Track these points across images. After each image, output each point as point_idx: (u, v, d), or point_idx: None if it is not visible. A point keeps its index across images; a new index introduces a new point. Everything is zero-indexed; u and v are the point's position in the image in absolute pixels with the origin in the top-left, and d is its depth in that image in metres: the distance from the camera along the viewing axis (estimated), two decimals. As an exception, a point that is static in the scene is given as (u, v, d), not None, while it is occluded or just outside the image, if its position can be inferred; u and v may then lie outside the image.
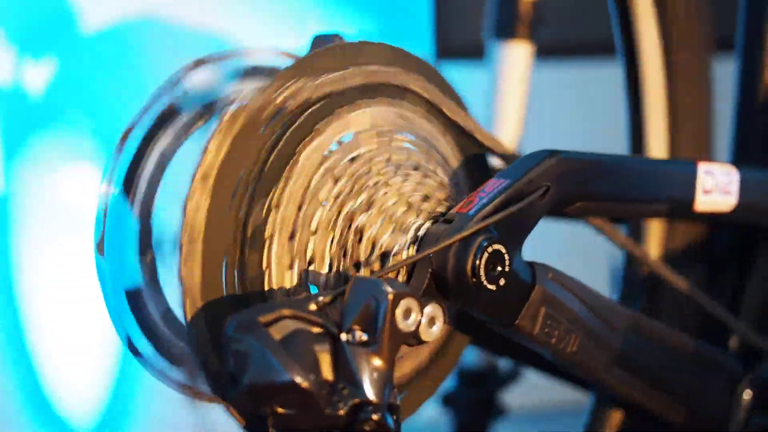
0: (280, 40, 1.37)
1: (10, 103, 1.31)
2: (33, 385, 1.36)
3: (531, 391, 1.40)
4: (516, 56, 1.20)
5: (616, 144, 1.05)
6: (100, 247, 0.68)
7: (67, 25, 1.31)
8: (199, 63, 0.71)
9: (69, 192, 1.34)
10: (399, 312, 0.61)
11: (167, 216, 0.70)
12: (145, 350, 0.69)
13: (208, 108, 0.72)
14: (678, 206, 0.80)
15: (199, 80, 0.71)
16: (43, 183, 1.33)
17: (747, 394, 0.86)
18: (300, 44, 0.78)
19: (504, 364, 1.32)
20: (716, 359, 0.86)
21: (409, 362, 0.71)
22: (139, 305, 0.69)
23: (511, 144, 1.19)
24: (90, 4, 1.31)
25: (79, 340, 1.36)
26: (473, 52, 1.36)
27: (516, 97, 1.20)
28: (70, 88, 1.33)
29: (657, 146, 0.93)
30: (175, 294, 0.68)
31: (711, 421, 0.85)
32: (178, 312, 0.69)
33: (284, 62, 0.75)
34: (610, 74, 1.47)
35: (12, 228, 1.33)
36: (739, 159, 0.97)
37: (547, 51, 1.28)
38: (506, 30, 1.19)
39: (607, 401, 0.92)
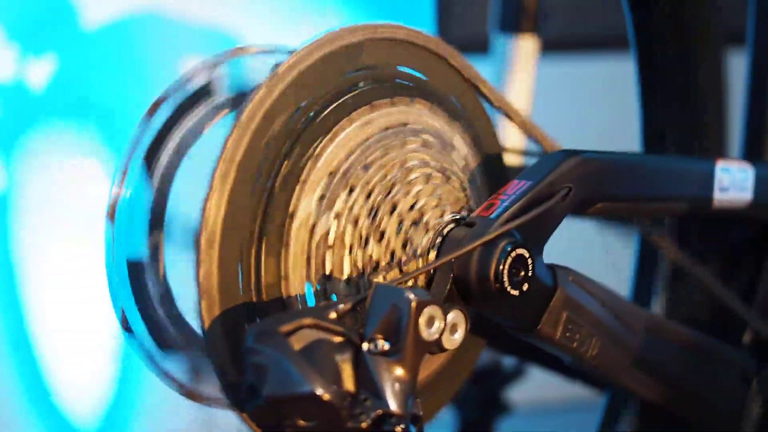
0: (281, 36, 1.35)
1: (11, 100, 1.29)
2: (35, 383, 1.35)
3: (535, 388, 1.39)
4: (522, 50, 1.18)
5: (623, 138, 1.04)
6: (111, 213, 0.66)
7: (68, 21, 1.29)
8: (240, 50, 0.69)
9: (70, 189, 1.32)
10: (422, 320, 0.59)
11: (183, 195, 0.68)
12: (138, 328, 0.67)
13: (240, 96, 0.70)
14: (696, 204, 0.79)
15: (234, 68, 0.69)
16: (44, 180, 1.32)
17: (758, 393, 0.85)
18: (299, 39, 0.77)
19: (508, 361, 1.31)
20: (730, 357, 0.85)
21: (424, 368, 0.69)
22: (138, 279, 0.67)
23: (518, 139, 1.17)
24: (91, 1, 1.29)
25: (81, 339, 1.35)
26: (476, 45, 1.34)
27: (522, 92, 1.19)
28: (72, 85, 1.31)
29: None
30: (177, 278, 0.67)
31: (725, 419, 0.85)
32: (176, 297, 0.67)
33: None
34: (616, 68, 1.46)
35: (13, 225, 1.32)
36: (749, 154, 0.96)
37: (552, 45, 1.26)
38: (512, 24, 1.18)
39: (622, 401, 0.91)
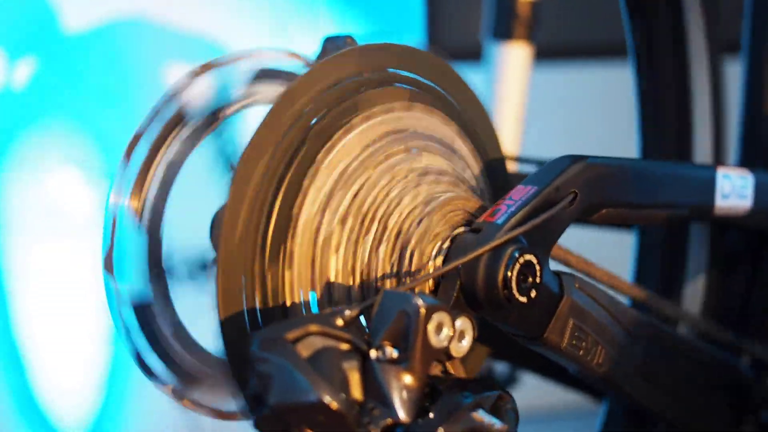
0: (270, 41, 1.34)
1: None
2: (23, 388, 1.33)
3: (529, 395, 1.38)
4: (515, 57, 1.18)
5: (618, 145, 1.03)
6: (107, 262, 0.65)
7: (53, 27, 1.28)
8: (204, 68, 0.69)
9: (56, 194, 1.31)
10: (431, 327, 0.58)
11: (177, 228, 0.68)
12: (156, 367, 0.66)
13: (216, 115, 0.69)
14: (698, 211, 0.79)
15: (206, 85, 0.69)
16: (28, 185, 1.30)
17: (756, 401, 0.85)
18: (290, 44, 0.76)
19: (502, 368, 1.30)
20: (729, 365, 0.85)
21: None
22: (148, 321, 0.66)
23: (512, 147, 1.17)
24: (75, 6, 1.28)
25: (69, 342, 1.34)
26: (466, 53, 1.34)
27: (515, 99, 1.18)
28: (56, 90, 1.30)
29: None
30: (187, 309, 0.66)
31: (724, 427, 0.84)
32: (190, 328, 0.66)
33: (293, 64, 0.72)
34: (610, 76, 1.46)
35: (1, 231, 1.31)
36: (745, 160, 0.96)
37: (546, 52, 1.26)
38: (504, 30, 1.17)
39: (621, 407, 0.91)
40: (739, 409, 0.85)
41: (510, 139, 1.17)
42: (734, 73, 0.97)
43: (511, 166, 0.97)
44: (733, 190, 0.80)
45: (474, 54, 1.27)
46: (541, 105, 1.31)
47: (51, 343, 1.33)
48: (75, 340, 1.34)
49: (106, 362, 1.35)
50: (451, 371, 0.63)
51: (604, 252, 1.04)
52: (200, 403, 0.66)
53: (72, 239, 1.29)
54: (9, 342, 1.33)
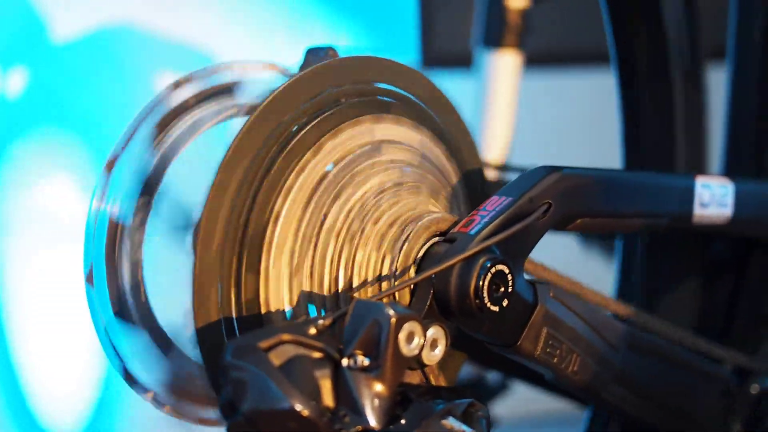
0: (263, 50, 1.35)
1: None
2: (17, 394, 1.34)
3: (519, 402, 1.39)
4: (505, 65, 1.19)
5: (606, 152, 1.04)
6: (89, 278, 0.66)
7: (44, 35, 1.29)
8: (180, 83, 0.69)
9: (50, 200, 1.32)
10: (402, 336, 0.59)
11: (183, 175, 0.68)
12: (141, 377, 0.67)
13: (193, 128, 0.70)
14: (677, 220, 0.80)
15: (183, 98, 0.70)
16: (23, 192, 1.31)
17: (740, 408, 0.86)
18: (283, 53, 0.77)
19: (492, 376, 1.31)
20: (711, 372, 0.85)
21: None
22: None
23: (501, 154, 1.18)
24: (65, 14, 1.29)
25: (63, 349, 1.35)
26: (459, 60, 1.35)
27: (505, 106, 1.20)
28: (48, 98, 1.31)
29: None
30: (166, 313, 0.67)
31: (706, 433, 0.85)
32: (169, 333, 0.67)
33: (272, 75, 0.73)
34: (599, 83, 1.46)
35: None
36: (730, 168, 0.97)
37: (536, 60, 1.27)
38: (495, 38, 1.19)
39: (604, 415, 0.91)
40: (722, 415, 0.85)
41: (499, 146, 1.18)
42: (718, 79, 0.97)
43: (496, 175, 0.98)
44: (713, 198, 0.81)
45: (465, 61, 1.28)
46: (532, 112, 1.32)
47: (45, 349, 1.35)
48: (69, 345, 1.35)
49: (100, 368, 1.36)
50: (430, 377, 0.64)
51: (589, 258, 1.05)
52: (182, 410, 0.67)
53: (66, 245, 1.30)
54: (3, 347, 1.34)
